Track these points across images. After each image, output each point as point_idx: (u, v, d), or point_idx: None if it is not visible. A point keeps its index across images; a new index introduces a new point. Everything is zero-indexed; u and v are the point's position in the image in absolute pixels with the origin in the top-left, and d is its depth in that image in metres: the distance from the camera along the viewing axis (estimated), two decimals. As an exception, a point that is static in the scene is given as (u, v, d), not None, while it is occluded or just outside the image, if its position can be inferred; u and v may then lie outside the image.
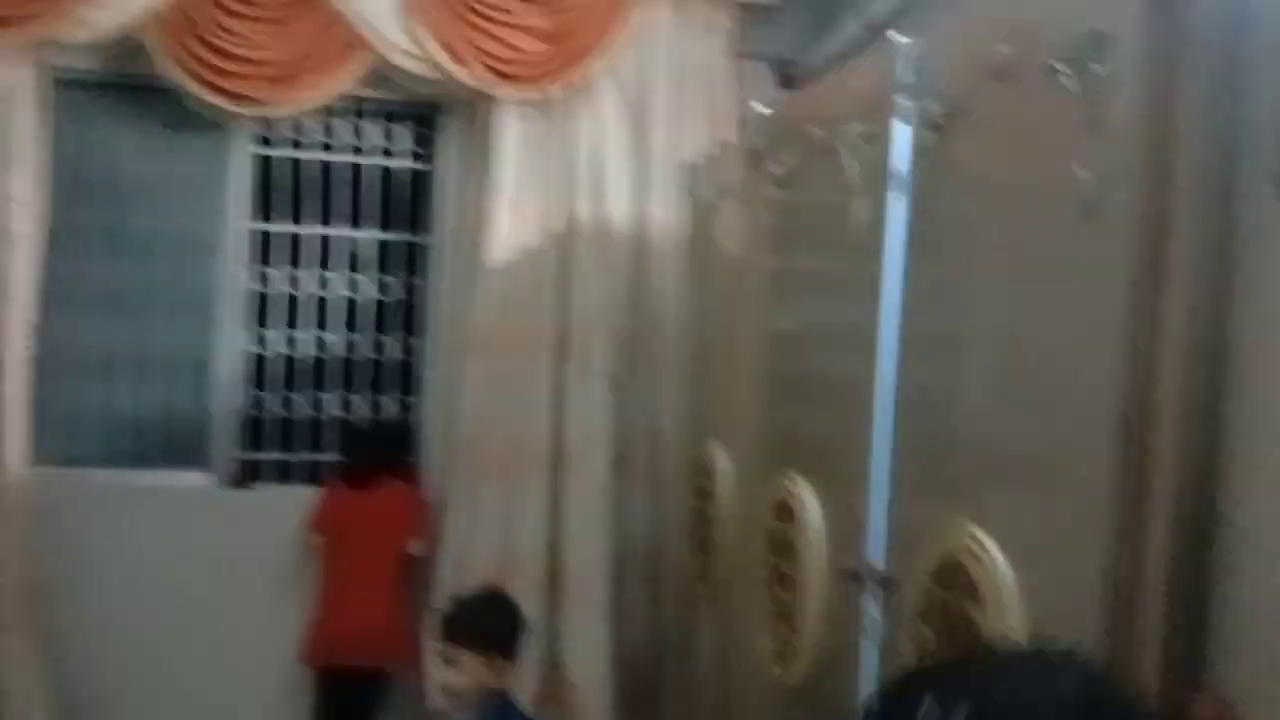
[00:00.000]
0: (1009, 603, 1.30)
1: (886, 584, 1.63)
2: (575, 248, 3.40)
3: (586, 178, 3.40)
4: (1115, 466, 1.16)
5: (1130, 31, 1.18)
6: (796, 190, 2.18)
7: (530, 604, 3.29)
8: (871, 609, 1.67)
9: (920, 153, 1.63)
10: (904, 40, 1.71)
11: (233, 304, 3.47)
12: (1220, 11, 1.13)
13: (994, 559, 1.34)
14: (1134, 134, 1.17)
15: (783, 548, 2.01)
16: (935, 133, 1.59)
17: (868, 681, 1.71)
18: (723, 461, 2.58)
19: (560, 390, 3.39)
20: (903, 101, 1.68)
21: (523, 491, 3.36)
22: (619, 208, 3.44)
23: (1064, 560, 1.25)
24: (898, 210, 1.71)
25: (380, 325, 3.64)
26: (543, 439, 3.36)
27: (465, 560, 3.33)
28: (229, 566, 3.32)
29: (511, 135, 3.35)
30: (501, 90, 3.30)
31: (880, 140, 1.74)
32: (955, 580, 1.40)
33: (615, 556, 3.39)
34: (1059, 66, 1.27)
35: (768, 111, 2.43)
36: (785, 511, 2.02)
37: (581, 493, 3.38)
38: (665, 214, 3.46)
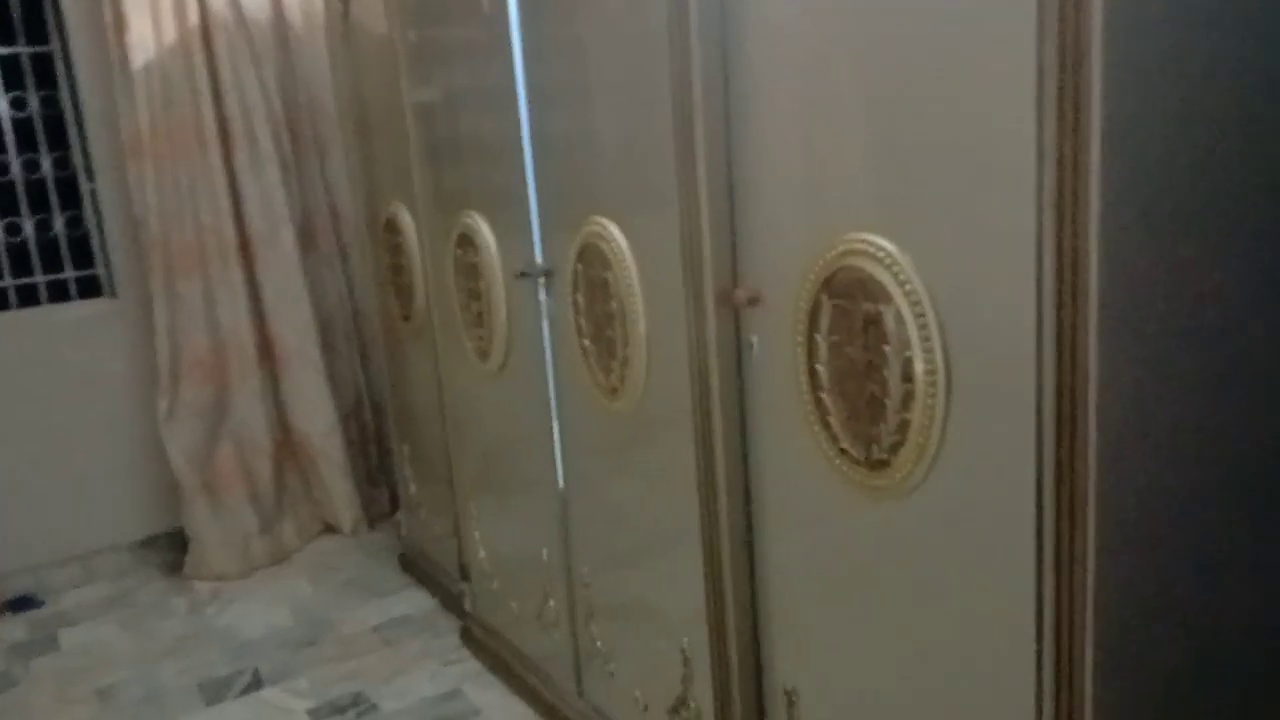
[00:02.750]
0: (627, 263, 1.95)
1: (548, 275, 2.24)
2: (217, 40, 3.54)
3: (214, -32, 3.51)
4: (675, 155, 1.78)
5: None
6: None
7: (250, 376, 3.70)
8: (541, 295, 2.28)
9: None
10: None
11: None
12: None
13: (615, 234, 1.97)
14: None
15: (468, 270, 2.57)
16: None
17: (549, 353, 2.35)
18: (405, 217, 3.05)
19: (233, 179, 3.63)
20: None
21: (220, 280, 3.64)
22: (253, -5, 3.60)
23: (654, 229, 1.89)
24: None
25: (26, 143, 3.61)
26: (228, 228, 3.62)
27: (180, 349, 3.62)
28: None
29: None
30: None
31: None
32: (592, 257, 2.03)
33: (320, 320, 3.82)
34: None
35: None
36: (465, 242, 2.56)
37: (275, 271, 3.72)
38: (300, -1, 3.69)
